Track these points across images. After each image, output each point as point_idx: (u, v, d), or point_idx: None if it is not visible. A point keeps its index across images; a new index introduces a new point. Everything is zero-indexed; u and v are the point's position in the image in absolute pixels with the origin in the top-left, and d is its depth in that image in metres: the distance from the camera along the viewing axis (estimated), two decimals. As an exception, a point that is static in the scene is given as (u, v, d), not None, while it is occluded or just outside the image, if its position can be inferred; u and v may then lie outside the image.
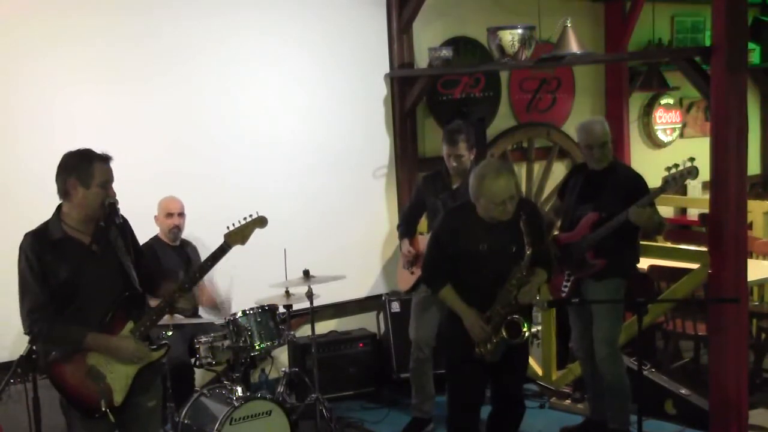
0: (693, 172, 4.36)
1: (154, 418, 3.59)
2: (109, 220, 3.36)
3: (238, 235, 3.61)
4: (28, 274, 3.29)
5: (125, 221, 3.48)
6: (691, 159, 4.37)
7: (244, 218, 3.65)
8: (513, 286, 3.95)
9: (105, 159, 3.36)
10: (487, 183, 3.88)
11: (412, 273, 5.27)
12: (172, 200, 5.11)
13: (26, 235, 3.34)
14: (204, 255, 5.09)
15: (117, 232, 3.41)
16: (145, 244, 4.81)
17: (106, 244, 3.37)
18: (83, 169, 3.30)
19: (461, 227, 4.04)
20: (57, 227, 3.34)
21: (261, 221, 3.68)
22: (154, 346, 3.49)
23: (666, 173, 4.43)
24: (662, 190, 4.43)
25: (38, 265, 3.27)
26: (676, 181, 4.40)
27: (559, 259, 4.66)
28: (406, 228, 5.34)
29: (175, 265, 4.78)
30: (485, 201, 3.93)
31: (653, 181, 4.62)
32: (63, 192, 3.34)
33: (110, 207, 3.35)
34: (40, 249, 3.29)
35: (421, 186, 5.27)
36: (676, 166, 4.40)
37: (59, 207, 3.39)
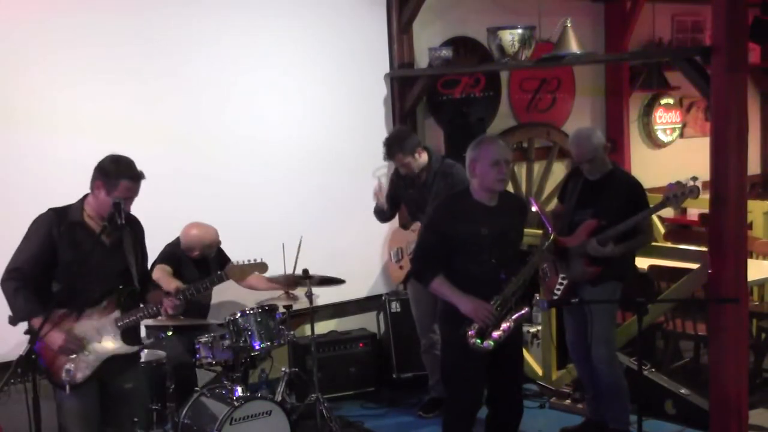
0: (695, 192, 4.29)
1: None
2: (112, 220, 3.48)
3: (237, 271, 3.90)
4: (34, 241, 3.52)
5: (137, 222, 3.71)
6: (694, 178, 4.27)
7: (248, 260, 3.93)
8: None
9: (136, 178, 3.53)
10: (484, 144, 3.99)
11: (401, 267, 5.42)
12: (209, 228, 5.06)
13: (49, 210, 3.60)
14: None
15: (128, 231, 3.62)
16: (169, 250, 4.91)
17: (118, 239, 3.60)
18: (112, 180, 3.50)
19: (461, 211, 3.99)
20: (78, 211, 3.58)
21: (262, 266, 3.95)
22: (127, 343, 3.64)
23: (667, 190, 4.36)
24: (662, 205, 4.40)
25: (46, 239, 3.50)
26: (677, 199, 4.35)
27: (555, 262, 4.66)
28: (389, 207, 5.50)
29: (192, 275, 4.77)
30: (482, 165, 3.92)
31: (654, 180, 4.61)
32: (91, 187, 3.58)
33: (115, 207, 3.48)
34: (57, 226, 3.51)
35: (395, 178, 5.44)
36: (679, 183, 4.30)
37: (86, 195, 3.62)
